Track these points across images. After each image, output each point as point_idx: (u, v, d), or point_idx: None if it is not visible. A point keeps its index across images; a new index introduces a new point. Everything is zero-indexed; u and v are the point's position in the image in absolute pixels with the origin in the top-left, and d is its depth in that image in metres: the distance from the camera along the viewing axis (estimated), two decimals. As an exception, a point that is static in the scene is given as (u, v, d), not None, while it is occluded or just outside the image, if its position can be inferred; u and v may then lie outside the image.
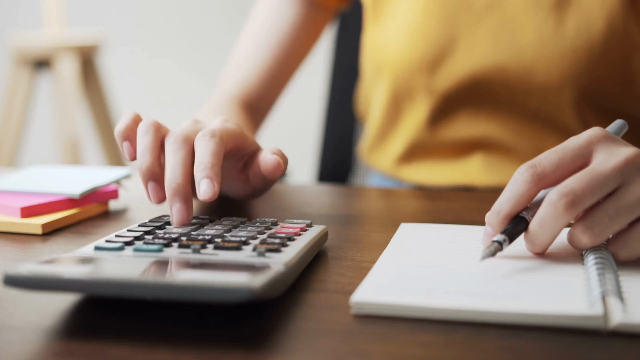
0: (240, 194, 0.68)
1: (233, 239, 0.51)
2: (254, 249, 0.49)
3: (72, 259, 0.46)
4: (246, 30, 0.97)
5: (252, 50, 0.95)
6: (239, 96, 0.93)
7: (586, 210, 0.49)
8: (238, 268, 0.44)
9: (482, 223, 0.53)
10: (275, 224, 0.58)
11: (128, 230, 0.54)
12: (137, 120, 0.61)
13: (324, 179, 1.18)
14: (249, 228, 0.55)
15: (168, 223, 0.57)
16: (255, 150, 0.64)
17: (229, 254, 0.48)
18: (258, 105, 0.94)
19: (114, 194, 0.70)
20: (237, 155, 0.63)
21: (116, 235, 0.52)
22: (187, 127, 0.60)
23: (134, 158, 0.60)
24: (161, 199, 0.59)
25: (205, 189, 0.55)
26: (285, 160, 0.64)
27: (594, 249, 0.50)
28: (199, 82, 2.41)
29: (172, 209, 0.56)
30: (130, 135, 0.60)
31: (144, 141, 0.59)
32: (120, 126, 0.60)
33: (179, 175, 0.56)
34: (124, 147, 0.60)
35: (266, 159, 0.62)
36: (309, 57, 0.99)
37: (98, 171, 0.74)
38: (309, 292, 0.48)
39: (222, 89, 0.94)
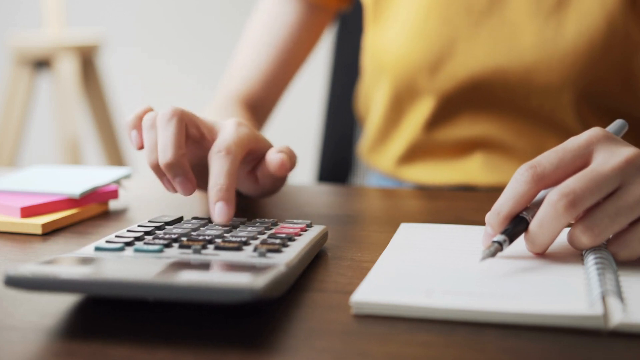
0: (251, 193, 0.69)
1: (233, 239, 0.51)
2: (255, 249, 0.49)
3: (73, 259, 0.46)
4: (247, 31, 0.97)
5: (254, 52, 0.95)
6: (242, 97, 0.93)
7: (586, 210, 0.49)
8: (239, 268, 0.44)
9: (482, 223, 0.53)
10: (275, 224, 0.58)
11: (128, 231, 0.54)
12: (147, 111, 0.62)
13: (324, 179, 1.18)
14: (249, 228, 0.55)
15: (168, 223, 0.57)
16: (267, 151, 0.64)
17: (229, 254, 0.48)
18: (260, 106, 0.95)
19: (114, 194, 0.70)
20: (248, 158, 0.63)
21: (116, 236, 0.52)
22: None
23: (140, 147, 0.61)
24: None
25: (219, 212, 0.57)
26: (292, 157, 0.64)
27: (594, 249, 0.50)
28: (198, 82, 2.42)
29: (175, 185, 0.59)
30: (137, 125, 0.62)
31: (149, 137, 0.60)
32: (130, 116, 0.62)
33: (170, 153, 0.58)
34: (132, 136, 0.62)
35: (270, 157, 0.62)
36: (310, 58, 0.99)
37: (98, 171, 0.74)
38: (309, 292, 0.48)
39: (225, 90, 0.94)
